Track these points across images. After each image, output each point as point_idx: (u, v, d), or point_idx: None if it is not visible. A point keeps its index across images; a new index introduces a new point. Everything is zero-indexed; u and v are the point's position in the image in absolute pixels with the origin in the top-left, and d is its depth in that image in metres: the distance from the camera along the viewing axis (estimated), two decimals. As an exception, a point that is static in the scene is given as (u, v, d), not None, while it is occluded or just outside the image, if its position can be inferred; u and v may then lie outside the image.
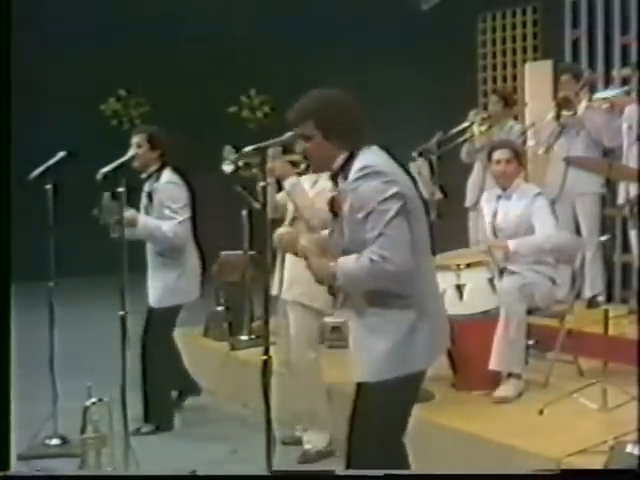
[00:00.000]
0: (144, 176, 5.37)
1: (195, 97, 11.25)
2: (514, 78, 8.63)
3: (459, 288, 4.95)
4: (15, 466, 4.30)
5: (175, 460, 4.78)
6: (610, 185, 6.30)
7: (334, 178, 3.19)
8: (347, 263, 3.06)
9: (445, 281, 4.93)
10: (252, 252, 6.53)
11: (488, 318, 4.95)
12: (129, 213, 5.10)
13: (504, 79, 8.81)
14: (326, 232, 3.48)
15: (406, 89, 9.27)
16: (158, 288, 5.33)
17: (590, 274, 6.38)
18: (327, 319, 5.42)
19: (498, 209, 5.29)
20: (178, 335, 5.63)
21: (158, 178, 5.31)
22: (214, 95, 11.32)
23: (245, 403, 5.80)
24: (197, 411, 5.80)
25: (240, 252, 6.67)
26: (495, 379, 4.93)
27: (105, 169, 4.39)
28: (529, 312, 5.03)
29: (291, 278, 4.73)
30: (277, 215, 4.71)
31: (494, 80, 8.90)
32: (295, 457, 4.81)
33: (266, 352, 3.32)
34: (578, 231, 6.60)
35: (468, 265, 5.01)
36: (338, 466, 3.41)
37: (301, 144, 3.18)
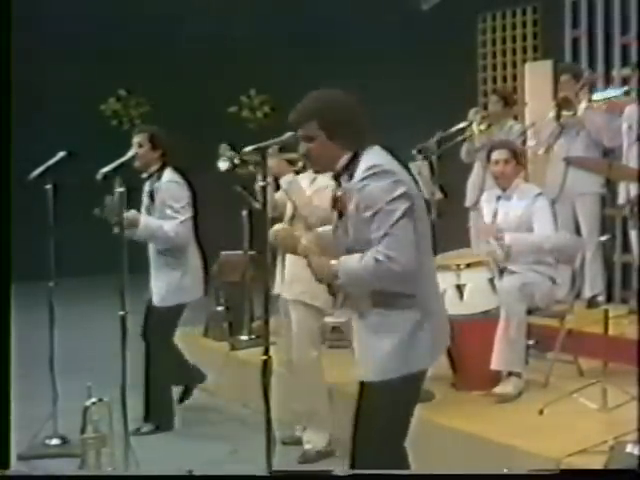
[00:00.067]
0: (145, 176, 5.37)
1: (195, 97, 11.25)
2: (514, 78, 8.63)
3: (459, 288, 4.95)
4: (15, 466, 4.30)
5: (175, 460, 4.78)
6: (610, 185, 6.30)
7: (337, 178, 3.19)
8: (349, 262, 3.06)
9: (445, 281, 4.93)
10: (252, 252, 6.53)
11: (488, 318, 4.95)
12: (130, 214, 5.11)
13: (504, 79, 8.81)
14: (325, 229, 3.48)
15: (406, 89, 9.27)
16: (162, 287, 5.32)
17: (590, 274, 6.38)
18: (327, 319, 5.41)
19: (498, 209, 5.29)
20: (178, 335, 5.63)
21: (159, 178, 5.31)
22: (214, 95, 11.32)
23: (245, 403, 5.80)
24: (197, 411, 5.80)
25: (240, 252, 6.68)
26: (495, 379, 4.93)
27: (105, 169, 4.39)
28: (529, 312, 5.03)
29: (291, 277, 4.73)
30: (276, 214, 4.71)
31: (494, 80, 8.90)
32: (295, 457, 4.81)
33: (266, 352, 3.31)
34: (578, 231, 6.60)
35: (468, 265, 5.01)
36: (338, 466, 3.41)
37: (304, 145, 3.17)
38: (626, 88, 6.04)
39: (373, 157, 3.09)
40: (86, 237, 10.30)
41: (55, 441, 5.06)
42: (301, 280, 4.56)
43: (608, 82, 7.34)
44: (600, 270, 6.25)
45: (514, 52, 8.72)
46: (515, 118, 7.57)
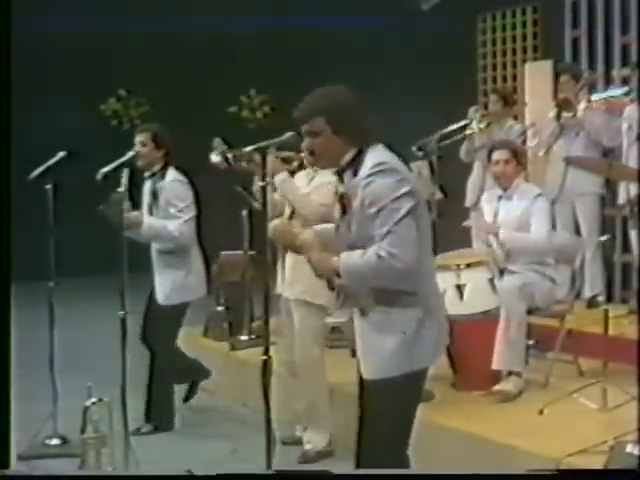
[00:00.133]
0: (147, 174, 5.38)
1: (195, 97, 11.25)
2: (514, 78, 8.63)
3: (459, 288, 4.95)
4: (15, 466, 4.30)
5: (175, 460, 4.78)
6: (610, 185, 6.30)
7: (340, 174, 3.19)
8: (351, 258, 3.07)
9: (445, 281, 4.93)
10: (252, 252, 6.53)
11: (488, 318, 4.95)
12: (134, 214, 5.12)
13: (504, 79, 8.81)
14: (325, 226, 3.49)
15: (406, 89, 9.27)
16: (166, 286, 5.32)
17: (590, 274, 6.38)
18: (327, 319, 5.40)
19: (499, 209, 5.29)
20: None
21: (163, 177, 5.31)
22: (214, 95, 11.32)
23: (245, 403, 5.80)
24: (197, 411, 5.79)
25: (240, 252, 6.68)
26: (495, 379, 4.94)
27: (105, 169, 4.39)
28: (529, 312, 5.03)
29: (292, 276, 4.73)
30: (275, 213, 4.71)
31: (494, 80, 8.90)
32: (295, 457, 4.80)
33: (266, 352, 3.32)
34: (578, 231, 6.60)
35: (468, 265, 5.01)
36: (338, 466, 3.41)
37: (308, 140, 3.18)
38: (626, 88, 6.05)
39: (379, 155, 3.10)
40: (86, 237, 10.33)
41: (55, 441, 5.06)
42: (302, 279, 4.57)
43: (608, 82, 7.34)
44: (600, 270, 6.24)
45: (514, 52, 8.73)
46: (515, 118, 7.57)
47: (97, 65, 11.18)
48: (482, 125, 6.89)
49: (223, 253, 6.95)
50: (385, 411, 3.14)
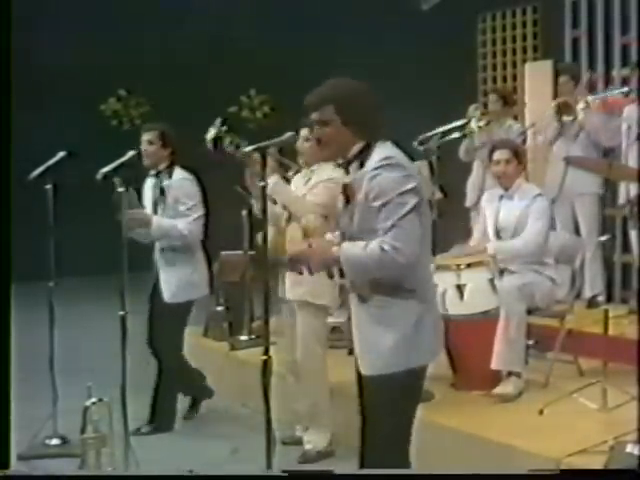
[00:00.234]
0: (151, 173, 5.38)
1: (195, 97, 11.25)
2: (514, 78, 8.63)
3: (459, 288, 4.95)
4: (15, 466, 4.30)
5: (175, 460, 4.78)
6: (610, 185, 6.30)
7: (346, 166, 3.20)
8: (353, 249, 3.08)
9: (445, 281, 4.93)
10: (252, 252, 6.53)
11: (488, 318, 4.94)
12: (142, 214, 5.14)
13: (504, 79, 8.82)
14: (327, 237, 3.50)
15: (406, 89, 9.27)
16: (172, 283, 5.31)
17: (590, 274, 6.38)
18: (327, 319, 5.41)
19: (500, 209, 5.29)
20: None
21: (170, 175, 5.32)
22: (214, 95, 11.32)
23: (245, 403, 5.80)
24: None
25: (240, 252, 6.68)
26: (495, 379, 4.93)
27: (105, 169, 4.39)
28: (529, 312, 5.03)
29: (293, 278, 4.73)
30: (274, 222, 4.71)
31: (494, 80, 8.90)
32: (295, 457, 4.80)
33: (266, 352, 3.32)
34: (578, 231, 6.60)
35: (468, 265, 5.01)
36: (338, 465, 3.42)
37: (317, 130, 3.18)
38: (626, 89, 6.06)
39: (386, 150, 3.12)
40: (86, 237, 10.35)
41: (55, 441, 5.06)
42: (303, 281, 4.57)
43: (608, 82, 7.34)
44: (600, 270, 6.25)
45: (514, 52, 8.73)
46: (515, 118, 7.58)
47: (97, 65, 11.18)
48: (481, 124, 6.89)
49: (223, 253, 6.95)
50: (386, 408, 3.14)
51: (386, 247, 2.98)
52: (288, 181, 4.90)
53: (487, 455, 4.23)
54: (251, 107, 12.25)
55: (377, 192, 3.03)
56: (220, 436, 5.32)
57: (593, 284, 6.44)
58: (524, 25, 8.63)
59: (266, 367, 3.31)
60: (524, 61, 8.40)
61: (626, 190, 6.05)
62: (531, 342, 5.18)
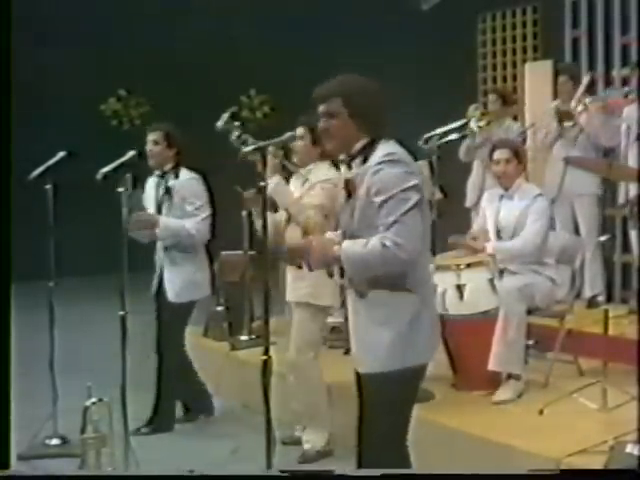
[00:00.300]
0: (157, 173, 5.38)
1: (195, 97, 11.25)
2: (514, 78, 8.63)
3: (459, 288, 4.95)
4: (15, 466, 4.30)
5: (175, 460, 4.78)
6: (610, 186, 6.31)
7: (350, 161, 3.22)
8: (353, 247, 3.08)
9: (445, 281, 4.93)
10: (252, 252, 6.53)
11: (488, 318, 4.94)
12: (149, 215, 5.15)
13: (504, 79, 8.82)
14: (329, 235, 3.50)
15: (406, 89, 9.27)
16: (176, 283, 5.31)
17: (590, 274, 6.38)
18: (327, 319, 5.41)
19: (501, 209, 5.29)
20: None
21: (176, 175, 5.33)
22: (214, 95, 11.32)
23: (245, 403, 5.80)
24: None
25: (240, 252, 6.68)
26: (495, 379, 4.93)
27: (105, 169, 4.39)
28: (529, 312, 5.03)
29: (294, 279, 4.73)
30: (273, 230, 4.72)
31: (494, 80, 8.90)
32: (295, 457, 4.80)
33: (266, 352, 3.32)
34: (577, 231, 6.60)
35: (468, 265, 5.01)
36: (338, 466, 3.42)
37: (324, 121, 3.20)
38: (626, 89, 6.06)
39: (390, 147, 3.14)
40: (86, 237, 10.35)
41: (55, 441, 5.06)
42: (305, 282, 4.58)
43: (608, 82, 7.34)
44: (600, 270, 6.25)
45: (514, 52, 8.73)
46: (515, 118, 7.58)
47: (97, 65, 11.18)
48: (481, 124, 6.89)
49: (223, 253, 6.95)
50: (382, 406, 3.15)
51: (388, 243, 2.99)
52: (287, 180, 4.90)
53: (487, 455, 4.23)
54: (251, 107, 12.25)
55: (379, 187, 3.04)
56: (220, 436, 5.32)
57: (593, 284, 6.44)
58: (524, 25, 8.63)
59: (266, 367, 3.31)
60: (524, 61, 8.40)
61: (625, 190, 6.05)
62: (531, 342, 5.18)
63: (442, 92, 8.64)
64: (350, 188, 3.19)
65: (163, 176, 5.36)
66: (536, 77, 7.72)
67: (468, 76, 8.90)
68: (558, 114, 6.51)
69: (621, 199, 6.16)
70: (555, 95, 6.88)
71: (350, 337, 3.28)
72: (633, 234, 6.36)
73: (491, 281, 4.99)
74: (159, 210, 5.33)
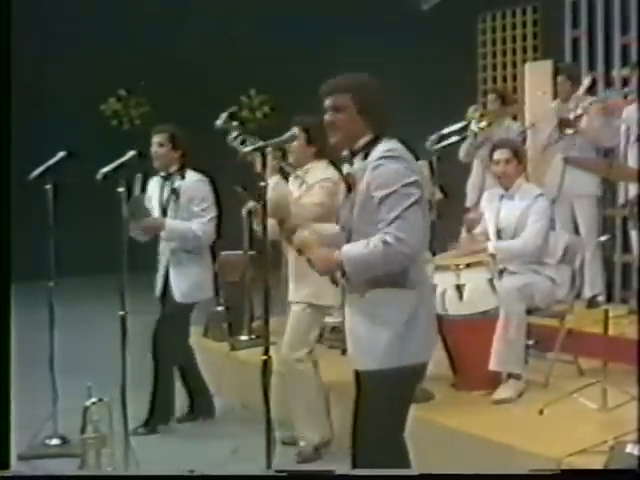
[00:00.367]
0: (162, 175, 5.38)
1: (195, 97, 11.25)
2: (514, 78, 8.64)
3: (459, 288, 4.95)
4: (15, 466, 4.30)
5: (175, 460, 4.78)
6: (610, 185, 6.31)
7: (351, 157, 3.23)
8: (354, 249, 3.08)
9: (445, 281, 4.94)
10: (252, 252, 6.53)
11: (488, 318, 4.95)
12: (155, 220, 5.15)
13: (504, 79, 8.82)
14: (324, 226, 3.50)
15: (406, 89, 9.26)
16: (184, 283, 5.31)
17: (590, 274, 6.38)
18: (327, 319, 5.41)
19: (501, 209, 5.29)
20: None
21: (182, 177, 5.34)
22: (214, 95, 11.32)
23: (245, 403, 5.80)
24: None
25: (240, 252, 6.68)
26: (495, 379, 4.93)
27: (105, 169, 4.39)
28: (529, 312, 5.03)
29: (296, 280, 4.73)
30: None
31: (494, 80, 8.91)
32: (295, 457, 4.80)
33: (266, 352, 3.32)
34: (577, 232, 6.60)
35: (468, 265, 5.01)
36: (338, 465, 3.42)
37: (330, 115, 3.21)
38: (626, 90, 6.06)
39: (392, 144, 3.16)
40: (86, 237, 10.35)
41: (55, 441, 5.05)
42: (307, 283, 4.57)
43: (608, 82, 7.35)
44: (600, 270, 6.25)
45: (514, 52, 8.74)
46: (514, 118, 7.58)
47: (97, 65, 11.17)
48: (482, 125, 6.89)
49: (223, 253, 6.95)
50: (376, 404, 3.15)
51: (389, 239, 2.98)
52: (286, 179, 4.89)
53: (487, 455, 4.23)
54: (251, 107, 12.26)
55: (379, 182, 3.05)
56: (220, 436, 5.32)
57: (593, 284, 6.44)
58: (524, 25, 8.63)
59: (266, 367, 3.31)
60: (524, 61, 8.40)
61: (625, 190, 6.05)
62: (531, 342, 5.18)
63: (442, 92, 8.64)
64: (350, 183, 3.20)
65: (168, 177, 5.37)
66: (536, 77, 7.71)
67: (468, 76, 8.90)
68: (559, 124, 6.51)
69: (621, 199, 6.16)
70: (555, 95, 6.88)
71: (346, 336, 3.29)
72: (633, 234, 6.36)
73: (491, 281, 4.99)
74: (164, 211, 5.34)
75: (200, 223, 5.26)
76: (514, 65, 8.69)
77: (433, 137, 5.74)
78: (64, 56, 11.02)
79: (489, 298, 4.96)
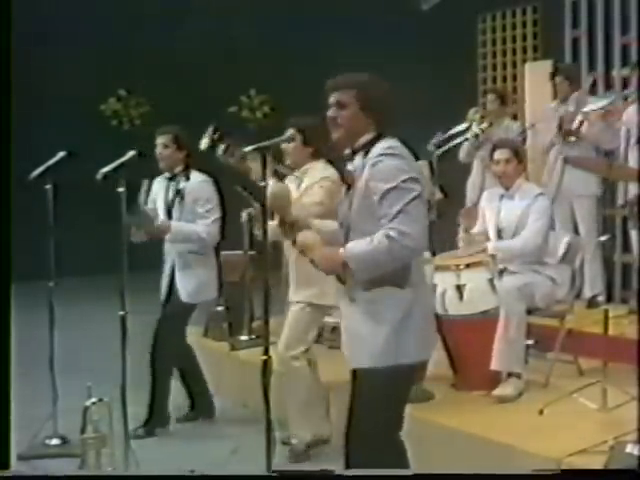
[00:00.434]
0: (166, 176, 5.38)
1: (195, 97, 11.26)
2: (514, 78, 8.64)
3: (459, 288, 4.95)
4: (15, 466, 4.30)
5: (175, 460, 4.78)
6: (610, 186, 6.31)
7: (351, 156, 3.24)
8: (358, 247, 3.08)
9: (445, 281, 4.94)
10: (252, 252, 6.53)
11: (488, 318, 4.95)
12: (159, 225, 5.19)
13: (504, 79, 8.82)
14: (324, 223, 3.49)
15: (406, 89, 9.26)
16: (190, 283, 5.33)
17: (590, 274, 6.38)
18: (327, 319, 5.40)
19: (501, 208, 5.29)
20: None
21: (187, 178, 5.35)
22: (214, 95, 11.33)
23: (245, 403, 5.80)
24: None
25: (240, 252, 6.67)
26: (495, 379, 4.93)
27: (105, 169, 4.39)
28: (529, 312, 5.03)
29: (297, 281, 4.73)
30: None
31: (494, 80, 8.91)
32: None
33: (266, 352, 3.32)
34: (577, 231, 6.60)
35: (468, 265, 5.01)
36: (337, 465, 3.41)
37: (334, 110, 3.22)
38: (626, 92, 6.06)
39: (392, 142, 3.17)
40: (86, 237, 10.35)
41: (55, 441, 5.05)
42: (309, 283, 4.56)
43: (608, 82, 7.35)
44: (600, 270, 6.25)
45: (514, 52, 8.74)
46: (514, 118, 7.58)
47: (97, 65, 11.17)
48: (483, 126, 6.90)
49: (223, 253, 6.93)
50: (374, 402, 3.16)
51: (392, 234, 2.98)
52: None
53: (487, 455, 4.23)
54: (251, 107, 12.26)
55: (380, 178, 3.05)
56: (220, 436, 5.32)
57: (593, 284, 6.44)
58: (524, 25, 8.63)
59: (266, 367, 3.31)
60: (524, 61, 8.41)
61: (624, 190, 6.05)
62: (531, 342, 5.17)
63: (442, 92, 8.64)
64: (349, 180, 3.20)
65: (173, 178, 5.38)
66: (536, 77, 7.71)
67: (468, 76, 8.90)
68: (563, 134, 6.50)
69: (620, 199, 6.15)
70: (555, 95, 6.88)
71: (342, 333, 3.29)
72: (633, 234, 6.36)
73: (491, 281, 5.00)
74: (169, 212, 5.34)
75: (204, 225, 5.27)
76: (514, 65, 8.70)
77: (434, 141, 5.74)
78: (64, 56, 11.01)
79: (489, 298, 4.96)
